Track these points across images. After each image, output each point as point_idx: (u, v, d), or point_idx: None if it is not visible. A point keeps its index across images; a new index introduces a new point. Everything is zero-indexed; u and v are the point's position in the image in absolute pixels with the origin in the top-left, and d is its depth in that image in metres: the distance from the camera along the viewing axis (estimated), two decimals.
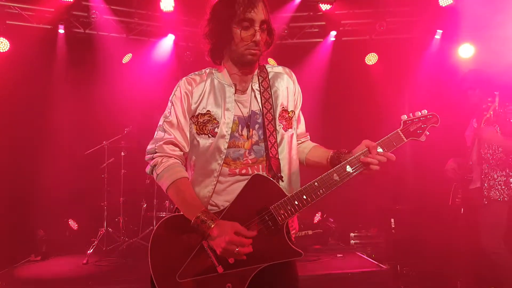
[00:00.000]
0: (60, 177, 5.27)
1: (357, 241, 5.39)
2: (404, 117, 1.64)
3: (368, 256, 4.79)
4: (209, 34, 1.66)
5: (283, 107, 1.72)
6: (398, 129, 1.63)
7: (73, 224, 5.59)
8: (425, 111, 1.65)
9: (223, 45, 1.65)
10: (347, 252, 5.04)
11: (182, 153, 1.68)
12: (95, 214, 5.26)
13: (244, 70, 1.68)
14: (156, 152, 1.65)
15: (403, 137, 1.62)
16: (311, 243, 5.32)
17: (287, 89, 1.75)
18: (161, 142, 1.65)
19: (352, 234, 5.44)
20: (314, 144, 1.89)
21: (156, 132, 1.70)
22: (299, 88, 1.82)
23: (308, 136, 1.93)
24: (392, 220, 5.53)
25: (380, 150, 1.59)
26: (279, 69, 1.80)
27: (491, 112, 2.99)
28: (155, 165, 1.64)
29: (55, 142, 5.28)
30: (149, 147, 1.68)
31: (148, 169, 1.68)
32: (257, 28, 1.58)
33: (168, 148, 1.65)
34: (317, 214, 5.72)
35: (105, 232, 5.05)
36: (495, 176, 3.10)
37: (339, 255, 4.93)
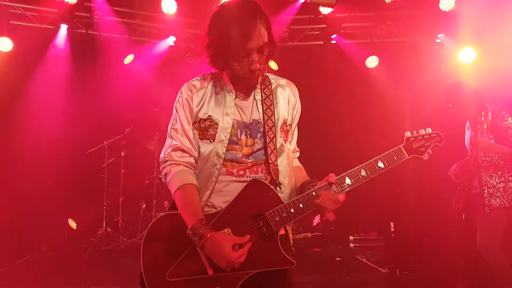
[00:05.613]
0: (60, 176, 5.28)
1: (357, 245, 5.37)
2: (408, 133, 1.62)
3: (368, 260, 4.77)
4: (210, 57, 1.63)
5: (284, 119, 1.71)
6: (400, 145, 1.60)
7: (72, 223, 5.59)
8: (429, 129, 1.63)
9: (223, 67, 1.64)
10: (346, 256, 5.02)
11: (192, 158, 1.67)
12: (94, 214, 5.25)
13: (245, 84, 1.68)
14: (166, 161, 1.67)
15: (405, 153, 1.60)
16: (310, 246, 5.31)
17: (288, 101, 1.74)
18: (169, 149, 1.66)
19: (351, 238, 5.42)
20: (298, 165, 1.85)
21: (166, 140, 1.71)
22: (299, 104, 1.80)
23: (298, 153, 1.87)
24: (392, 223, 5.52)
25: (381, 165, 1.57)
26: (283, 81, 1.78)
27: (485, 126, 3.04)
28: (166, 174, 1.67)
29: (56, 141, 5.29)
30: (160, 156, 1.71)
31: (163, 178, 1.71)
32: (255, 57, 1.55)
33: (176, 155, 1.65)
34: (316, 217, 5.70)
35: (104, 232, 5.05)
36: (494, 183, 3.12)
37: (338, 259, 4.91)
